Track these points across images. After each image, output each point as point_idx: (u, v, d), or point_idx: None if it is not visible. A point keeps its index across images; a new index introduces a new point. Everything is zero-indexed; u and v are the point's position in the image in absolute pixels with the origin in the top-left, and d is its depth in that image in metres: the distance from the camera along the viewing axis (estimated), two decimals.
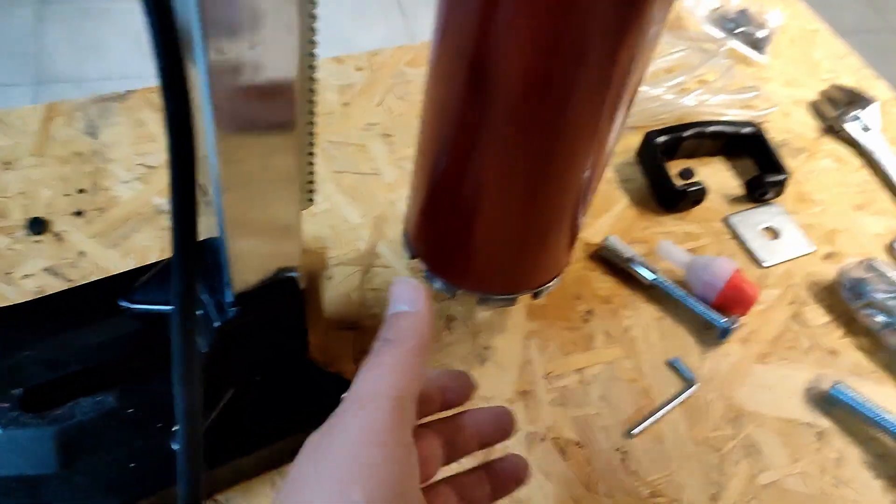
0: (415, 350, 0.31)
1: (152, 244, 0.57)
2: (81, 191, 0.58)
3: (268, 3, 0.30)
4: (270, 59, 0.32)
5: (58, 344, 0.47)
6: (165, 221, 0.58)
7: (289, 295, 0.45)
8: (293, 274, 0.45)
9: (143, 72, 1.95)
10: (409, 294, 0.33)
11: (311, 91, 0.36)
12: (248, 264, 0.42)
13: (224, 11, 0.30)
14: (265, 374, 0.47)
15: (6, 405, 0.44)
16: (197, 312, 0.40)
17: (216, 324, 0.43)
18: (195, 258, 0.26)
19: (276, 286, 0.44)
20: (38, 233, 0.56)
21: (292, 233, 0.42)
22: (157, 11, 0.23)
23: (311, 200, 0.43)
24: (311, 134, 0.39)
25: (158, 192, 0.59)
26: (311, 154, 0.40)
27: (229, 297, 0.43)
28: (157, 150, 0.62)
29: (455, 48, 0.40)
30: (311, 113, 0.38)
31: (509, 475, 0.38)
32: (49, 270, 0.54)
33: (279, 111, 0.35)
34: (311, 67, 0.35)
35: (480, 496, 0.37)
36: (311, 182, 0.42)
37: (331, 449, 0.29)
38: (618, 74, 0.38)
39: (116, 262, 0.55)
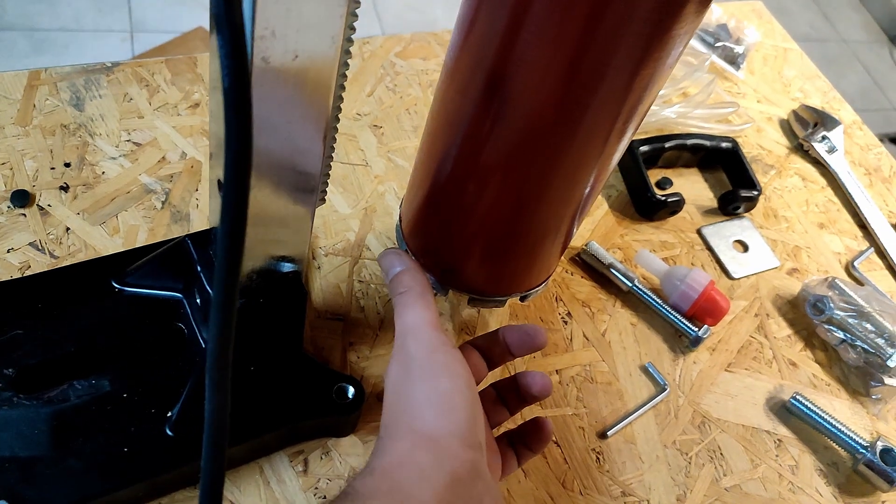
0: (424, 292, 0.43)
1: (140, 223, 0.56)
2: (67, 164, 0.57)
3: (316, 17, 0.31)
4: (311, 69, 0.33)
5: (50, 323, 0.47)
6: (153, 201, 0.57)
7: (292, 289, 0.45)
8: (297, 269, 0.45)
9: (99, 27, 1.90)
10: (398, 258, 0.45)
11: (340, 97, 0.37)
12: (257, 256, 0.43)
13: (275, 22, 0.30)
14: (260, 364, 0.48)
15: (0, 384, 0.43)
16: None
17: None
18: (238, 281, 0.27)
19: (280, 279, 0.45)
20: (22, 206, 0.55)
21: (303, 229, 0.43)
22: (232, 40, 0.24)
23: (323, 200, 0.43)
24: (334, 137, 0.39)
25: (147, 171, 0.59)
26: (330, 156, 0.40)
27: None
28: (145, 127, 0.61)
29: (476, 59, 0.41)
30: (337, 118, 0.38)
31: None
32: (34, 245, 0.53)
33: (313, 114, 0.36)
34: (344, 76, 0.36)
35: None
36: (325, 182, 0.42)
37: (412, 367, 0.39)
38: (630, 103, 0.40)
39: (103, 240, 0.54)
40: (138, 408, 0.45)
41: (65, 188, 0.56)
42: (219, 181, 0.40)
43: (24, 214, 0.54)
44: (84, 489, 0.42)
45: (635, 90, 0.39)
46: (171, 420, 0.45)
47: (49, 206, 0.55)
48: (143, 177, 0.58)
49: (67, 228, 0.54)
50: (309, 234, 0.43)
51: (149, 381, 0.46)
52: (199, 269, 0.45)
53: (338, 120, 0.39)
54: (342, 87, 0.37)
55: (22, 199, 0.55)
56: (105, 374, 0.45)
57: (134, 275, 0.49)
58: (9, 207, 0.54)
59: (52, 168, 0.57)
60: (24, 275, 0.51)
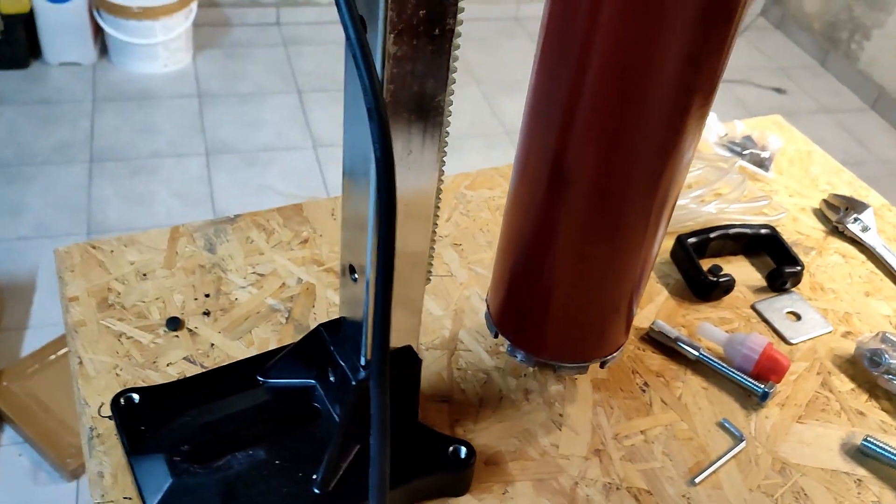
0: None
1: (269, 336, 0.67)
2: (207, 295, 0.69)
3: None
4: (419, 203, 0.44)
5: (210, 410, 0.56)
6: (279, 318, 0.68)
7: (409, 360, 0.54)
8: (411, 344, 0.55)
9: (189, 220, 2.11)
10: None
11: (440, 189, 0.48)
12: None
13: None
14: None
15: (178, 458, 0.52)
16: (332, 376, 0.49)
17: (353, 382, 0.53)
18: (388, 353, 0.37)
19: (398, 353, 0.54)
20: (175, 329, 0.66)
21: (416, 307, 0.53)
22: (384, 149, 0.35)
23: (429, 280, 0.53)
24: (436, 224, 0.50)
25: (271, 295, 0.70)
26: (433, 239, 0.51)
27: (362, 361, 0.53)
28: (265, 262, 0.73)
29: (540, 152, 0.52)
30: (437, 207, 0.49)
31: None
32: (187, 359, 0.64)
33: (422, 205, 0.46)
34: (441, 171, 0.47)
35: None
36: (430, 263, 0.52)
37: None
38: (662, 189, 0.51)
39: (242, 351, 0.65)
40: (288, 472, 0.53)
41: (207, 313, 0.68)
42: (349, 266, 0.50)
43: (178, 336, 0.65)
44: None
45: (665, 177, 0.50)
46: (317, 481, 0.53)
47: (196, 328, 0.66)
48: (269, 300, 0.70)
49: (212, 344, 0.65)
50: (420, 311, 0.53)
51: (295, 450, 0.54)
52: (332, 348, 0.55)
53: (434, 233, 0.50)
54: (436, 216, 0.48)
55: (174, 324, 0.66)
56: (260, 447, 0.54)
57: (273, 369, 0.59)
58: (164, 331, 0.66)
59: (195, 298, 0.69)
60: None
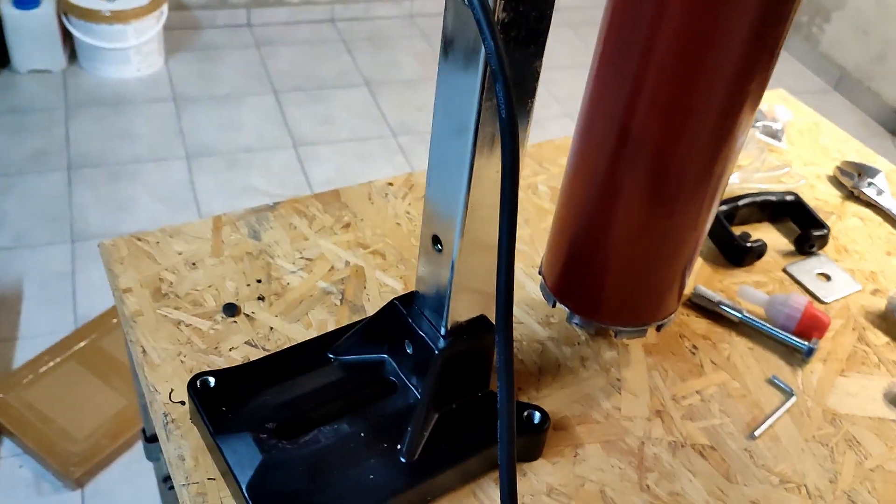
0: None
1: (326, 318, 0.67)
2: (259, 281, 0.70)
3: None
4: None
5: (287, 389, 0.57)
6: (332, 300, 0.69)
7: (485, 329, 0.56)
8: (484, 314, 0.56)
9: (171, 221, 2.08)
10: None
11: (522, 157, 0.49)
12: (462, 307, 0.54)
13: None
14: (461, 402, 0.57)
15: (264, 436, 0.53)
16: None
17: (436, 351, 0.54)
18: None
19: (474, 322, 0.55)
20: (232, 315, 0.66)
21: (491, 291, 0.54)
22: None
23: None
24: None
25: (321, 278, 0.71)
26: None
27: (443, 331, 0.54)
28: (311, 247, 0.73)
29: (607, 124, 0.54)
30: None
31: None
32: (249, 343, 0.64)
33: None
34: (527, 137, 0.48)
35: None
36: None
37: None
38: (722, 158, 0.54)
39: (302, 333, 0.65)
40: (373, 444, 0.54)
41: (261, 298, 0.68)
42: (433, 236, 0.51)
43: (236, 321, 0.66)
44: None
45: (720, 158, 0.52)
46: (402, 451, 0.54)
47: (253, 312, 0.67)
48: (320, 283, 0.70)
49: (271, 328, 0.66)
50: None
51: (375, 422, 0.55)
52: (409, 321, 0.56)
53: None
54: None
55: (231, 310, 0.66)
56: (342, 421, 0.55)
57: (344, 346, 0.60)
58: (222, 317, 0.66)
59: (248, 285, 0.69)
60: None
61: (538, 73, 0.44)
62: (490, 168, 0.47)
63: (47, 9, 2.41)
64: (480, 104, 0.43)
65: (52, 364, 1.68)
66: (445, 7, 0.42)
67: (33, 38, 2.45)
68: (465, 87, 0.43)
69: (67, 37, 2.52)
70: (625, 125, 0.53)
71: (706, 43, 0.48)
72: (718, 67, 0.49)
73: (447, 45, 0.43)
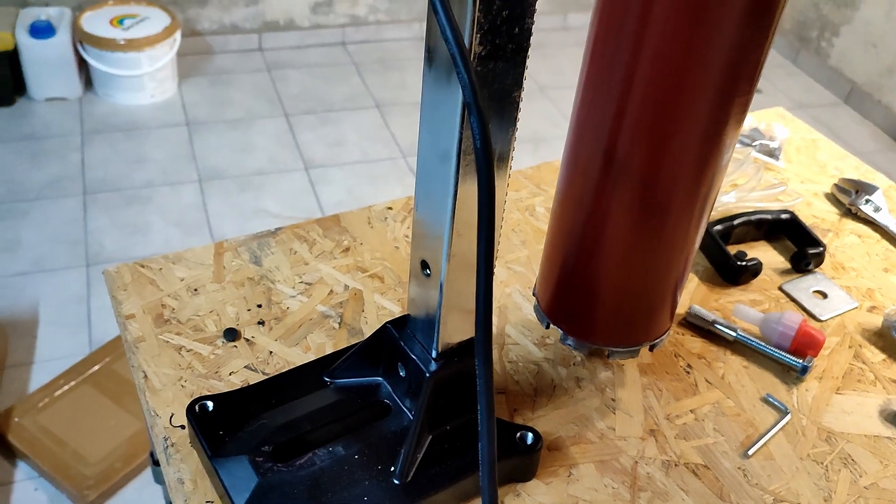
0: None
1: (325, 341, 0.68)
2: (259, 306, 0.71)
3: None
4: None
5: (284, 412, 0.58)
6: (331, 323, 0.70)
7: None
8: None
9: (185, 246, 2.11)
10: None
11: (507, 184, 0.50)
12: (452, 329, 0.55)
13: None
14: (454, 424, 0.58)
15: (260, 458, 0.54)
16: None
17: (427, 374, 0.55)
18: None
19: (465, 345, 0.56)
20: (233, 340, 0.68)
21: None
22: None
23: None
24: (503, 217, 0.52)
25: (320, 302, 0.72)
26: (499, 234, 0.53)
27: (434, 354, 0.55)
28: (311, 271, 0.75)
29: (592, 147, 0.55)
30: (504, 201, 0.52)
31: None
32: (248, 367, 0.65)
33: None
34: (510, 166, 0.49)
35: None
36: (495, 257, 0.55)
37: None
38: (707, 179, 0.54)
39: (300, 357, 0.67)
40: (368, 465, 0.55)
41: (261, 323, 0.69)
42: (422, 261, 0.53)
43: (236, 346, 0.67)
44: None
45: (706, 175, 0.53)
46: (396, 473, 0.55)
47: (253, 337, 0.68)
48: (319, 307, 0.71)
49: (270, 352, 0.67)
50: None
51: (370, 444, 0.56)
52: (402, 344, 0.57)
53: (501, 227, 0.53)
54: None
55: (232, 334, 0.68)
56: (338, 443, 0.56)
57: (339, 369, 0.61)
58: (222, 342, 0.67)
59: (248, 310, 0.70)
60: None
61: (518, 104, 0.45)
62: (475, 192, 0.48)
63: (63, 38, 2.46)
64: (461, 132, 0.44)
65: (66, 388, 1.70)
66: (427, 36, 0.43)
67: (49, 67, 2.50)
68: (447, 115, 0.44)
69: (83, 65, 2.57)
70: (609, 148, 0.54)
71: (686, 68, 0.49)
72: (699, 91, 0.50)
73: (428, 72, 0.44)
